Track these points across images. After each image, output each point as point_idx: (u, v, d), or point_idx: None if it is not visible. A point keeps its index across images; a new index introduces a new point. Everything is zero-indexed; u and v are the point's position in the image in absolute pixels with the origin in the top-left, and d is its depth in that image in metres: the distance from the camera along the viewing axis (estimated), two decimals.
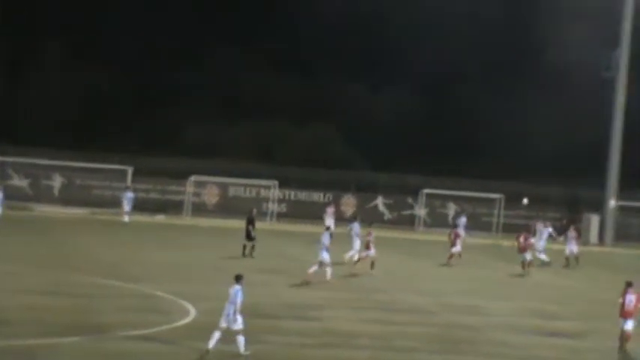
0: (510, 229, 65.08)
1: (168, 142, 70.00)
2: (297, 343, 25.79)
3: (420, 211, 68.03)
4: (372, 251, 40.18)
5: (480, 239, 60.35)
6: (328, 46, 75.36)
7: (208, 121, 73.26)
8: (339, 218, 61.75)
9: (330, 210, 54.43)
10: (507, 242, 56.39)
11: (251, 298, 30.54)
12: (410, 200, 68.21)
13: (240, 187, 65.92)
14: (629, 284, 27.06)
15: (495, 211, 67.62)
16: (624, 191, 67.23)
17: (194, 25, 75.06)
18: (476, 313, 33.45)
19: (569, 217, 67.90)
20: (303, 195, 67.03)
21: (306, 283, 35.84)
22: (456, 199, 68.11)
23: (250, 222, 43.86)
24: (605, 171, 67.18)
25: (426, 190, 67.17)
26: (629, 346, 26.48)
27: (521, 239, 45.13)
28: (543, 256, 48.47)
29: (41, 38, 72.00)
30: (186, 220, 61.22)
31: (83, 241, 46.06)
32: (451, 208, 68.73)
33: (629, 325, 26.44)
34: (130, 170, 61.52)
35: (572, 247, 49.42)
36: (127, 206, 56.99)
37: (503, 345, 28.11)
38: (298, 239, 52.60)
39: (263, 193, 66.06)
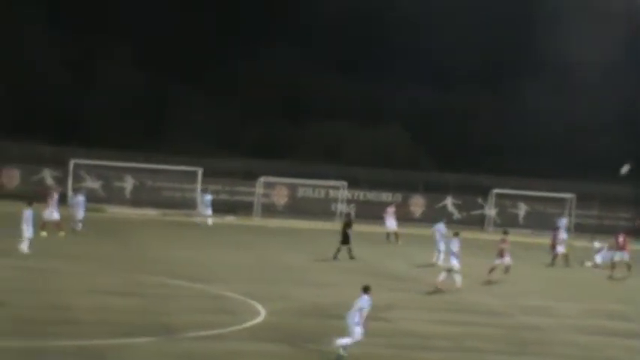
0: (582, 229, 64.50)
1: (236, 142, 70.36)
2: (368, 344, 25.49)
3: (490, 211, 67.56)
4: (507, 258, 39.59)
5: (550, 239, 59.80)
6: (394, 46, 75.20)
7: (274, 121, 73.49)
8: (408, 219, 61.59)
9: (391, 210, 54.05)
10: (579, 242, 55.72)
11: (321, 299, 30.45)
12: (480, 200, 67.80)
13: (309, 187, 66.05)
14: None
15: (566, 211, 66.92)
16: None
17: (256, 24, 75.36)
18: (547, 314, 33.24)
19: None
20: (371, 195, 66.92)
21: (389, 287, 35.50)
22: (526, 199, 67.55)
23: (348, 225, 43.64)
24: None
25: (496, 190, 66.69)
26: None
27: (621, 238, 44.66)
28: None
29: (111, 40, 72.65)
30: (256, 220, 61.39)
31: (153, 241, 46.40)
32: (522, 208, 68.20)
33: None
34: (200, 171, 61.92)
35: None
36: (206, 209, 56.87)
37: (574, 346, 28.06)
38: (367, 240, 52.46)
39: (332, 193, 66.11)
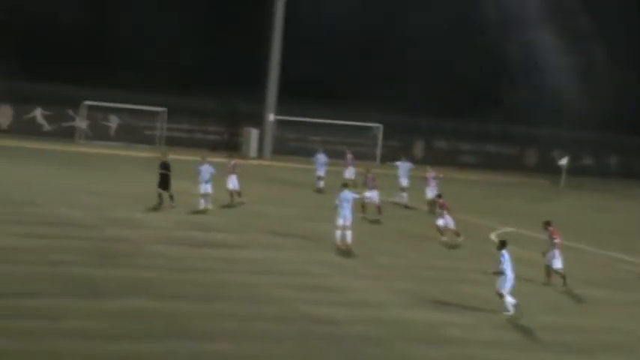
0: (173, 142, 66.53)
1: None
2: None
3: (82, 124, 67.89)
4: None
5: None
6: None
7: None
8: None
9: None
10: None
11: None
12: (71, 112, 67.88)
13: None
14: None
15: (158, 124, 69.01)
16: (282, 105, 68.28)
17: None
18: (135, 225, 34.38)
19: (230, 130, 69.29)
20: None
21: None
22: (117, 112, 68.37)
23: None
24: (263, 85, 68.34)
25: (87, 102, 66.97)
26: None
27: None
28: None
29: None
30: None
31: None
32: (113, 121, 68.97)
33: None
34: None
35: None
36: None
37: (160, 256, 29.38)
38: None
39: None
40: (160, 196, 38.81)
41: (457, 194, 54.51)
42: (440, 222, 36.73)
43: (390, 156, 67.75)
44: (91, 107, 67.43)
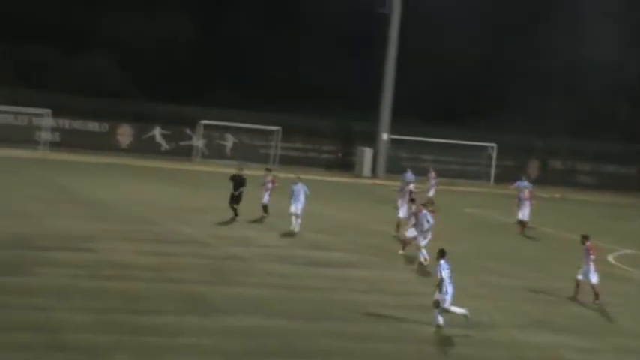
0: (286, 161, 66.86)
1: None
2: (69, 275, 26.69)
3: (198, 143, 69.48)
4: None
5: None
6: None
7: None
8: (115, 148, 65.64)
9: None
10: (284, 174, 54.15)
11: (19, 229, 32.58)
12: (188, 131, 69.27)
13: (10, 114, 65.79)
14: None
15: (272, 143, 69.53)
16: (395, 125, 68.32)
17: None
18: (249, 243, 34.74)
19: (343, 149, 69.59)
20: (77, 124, 67.37)
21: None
22: (233, 131, 69.64)
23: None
24: (378, 105, 68.32)
25: (204, 121, 68.54)
26: None
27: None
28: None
29: None
30: None
31: None
32: (229, 140, 70.46)
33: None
34: None
35: None
36: None
37: (274, 275, 29.81)
38: (75, 168, 54.32)
39: (35, 121, 65.84)
40: (234, 210, 39.61)
41: (573, 215, 54.05)
42: (409, 233, 34.72)
43: (505, 176, 67.31)
44: (207, 126, 68.72)
